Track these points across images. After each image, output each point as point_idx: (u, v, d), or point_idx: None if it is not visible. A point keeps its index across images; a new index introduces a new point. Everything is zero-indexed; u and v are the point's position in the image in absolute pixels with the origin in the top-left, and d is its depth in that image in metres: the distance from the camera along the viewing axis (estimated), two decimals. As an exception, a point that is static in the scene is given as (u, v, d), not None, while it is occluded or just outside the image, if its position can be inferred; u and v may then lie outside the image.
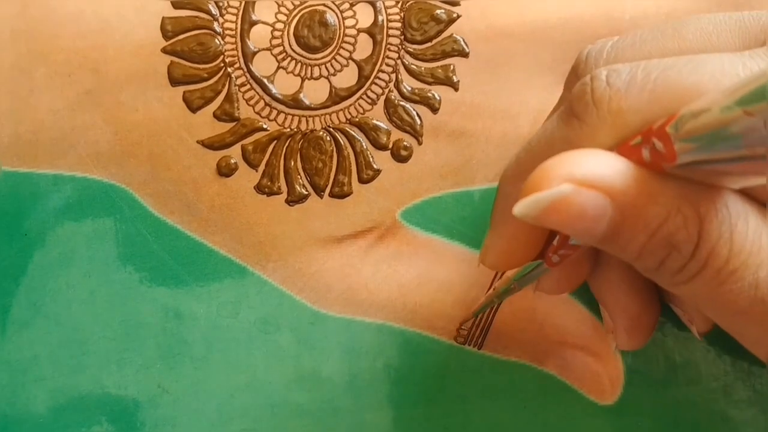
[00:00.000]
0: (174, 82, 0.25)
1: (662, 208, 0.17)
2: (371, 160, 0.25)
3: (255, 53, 0.25)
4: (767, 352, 0.19)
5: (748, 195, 0.17)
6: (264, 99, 0.25)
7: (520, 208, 0.17)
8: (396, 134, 0.25)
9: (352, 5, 0.25)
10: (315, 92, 0.25)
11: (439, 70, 0.25)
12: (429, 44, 0.25)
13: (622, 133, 0.17)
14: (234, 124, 0.25)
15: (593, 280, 0.23)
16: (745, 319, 0.18)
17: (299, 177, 0.25)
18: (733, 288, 0.17)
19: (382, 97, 0.25)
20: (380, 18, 0.25)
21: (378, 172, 0.25)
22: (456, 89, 0.25)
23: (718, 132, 0.15)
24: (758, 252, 0.17)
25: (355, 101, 0.25)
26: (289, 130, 0.25)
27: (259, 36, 0.25)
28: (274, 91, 0.25)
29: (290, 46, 0.25)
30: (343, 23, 0.25)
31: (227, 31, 0.25)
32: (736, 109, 0.14)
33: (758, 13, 0.19)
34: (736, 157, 0.15)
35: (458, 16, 0.25)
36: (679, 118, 0.16)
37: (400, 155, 0.25)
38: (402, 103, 0.25)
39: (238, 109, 0.25)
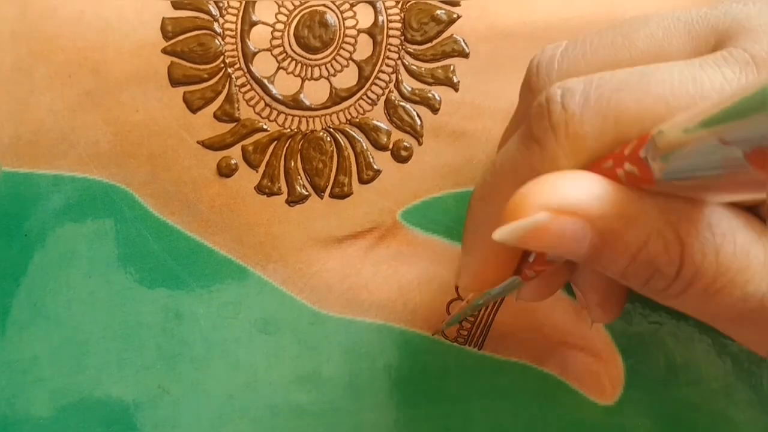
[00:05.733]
0: (174, 82, 0.25)
1: (641, 231, 0.17)
2: (371, 160, 0.25)
3: (255, 54, 0.25)
4: (766, 349, 0.19)
5: (737, 205, 0.17)
6: (264, 99, 0.25)
7: (499, 235, 0.17)
8: (396, 135, 0.25)
9: (352, 6, 0.25)
10: (315, 93, 0.25)
11: (440, 71, 0.25)
12: (429, 45, 0.25)
13: (582, 156, 0.17)
14: (234, 124, 0.25)
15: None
16: (737, 324, 0.18)
17: (299, 177, 0.25)
18: (720, 302, 0.17)
19: (383, 98, 0.25)
20: (380, 18, 0.25)
21: (378, 172, 0.25)
22: (456, 90, 0.25)
23: (690, 152, 0.15)
24: (746, 269, 0.17)
25: (356, 102, 0.25)
26: (289, 130, 0.25)
27: (259, 36, 0.25)
28: (274, 91, 0.25)
29: (290, 46, 0.25)
30: (343, 24, 0.25)
31: (227, 32, 0.25)
32: (701, 130, 0.14)
33: (707, 11, 0.19)
34: (713, 175, 0.15)
35: (458, 17, 0.25)
36: (650, 141, 0.16)
37: (401, 156, 0.25)
38: (402, 103, 0.25)
39: (239, 110, 0.25)
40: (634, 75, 0.17)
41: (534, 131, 0.18)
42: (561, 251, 0.17)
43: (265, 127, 0.25)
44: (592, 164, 0.17)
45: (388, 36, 0.25)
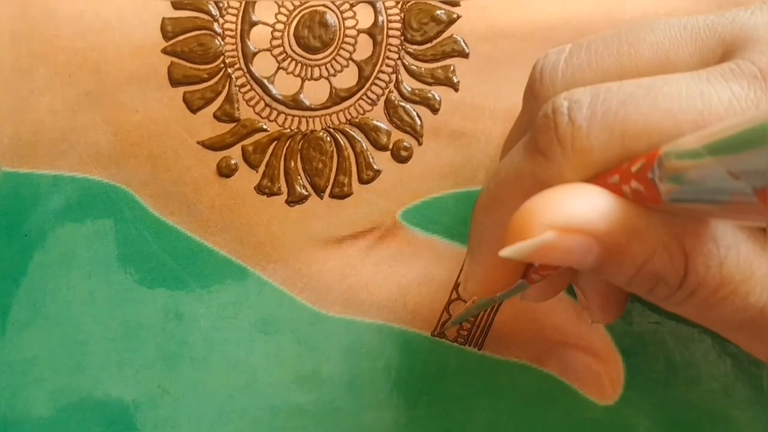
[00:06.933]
0: (174, 82, 0.25)
1: (647, 245, 0.17)
2: (371, 160, 0.25)
3: (255, 54, 0.25)
4: (766, 354, 0.19)
5: None
6: (264, 100, 0.25)
7: (506, 253, 0.17)
8: (396, 135, 0.25)
9: (352, 6, 0.25)
10: (315, 93, 0.25)
11: (439, 71, 0.25)
12: (429, 45, 0.25)
13: (588, 170, 0.17)
14: (234, 124, 0.25)
15: None
16: (737, 331, 0.19)
17: (299, 178, 0.25)
18: (722, 311, 0.17)
19: (383, 98, 0.25)
20: (380, 18, 0.25)
21: (378, 172, 0.25)
22: (456, 90, 0.25)
23: (698, 179, 0.15)
24: (749, 280, 0.17)
25: (356, 102, 0.25)
26: (289, 130, 0.25)
27: (259, 37, 0.25)
28: (274, 91, 0.25)
29: (290, 46, 0.25)
30: (343, 24, 0.25)
31: (227, 32, 0.25)
32: (708, 157, 0.14)
33: (714, 19, 0.19)
34: (720, 202, 0.15)
35: (458, 17, 0.25)
36: (658, 162, 0.16)
37: (401, 156, 0.25)
38: (402, 103, 0.25)
39: (239, 110, 0.25)
40: (641, 88, 0.17)
41: (539, 143, 0.18)
42: (568, 264, 0.17)
43: (265, 127, 0.25)
44: (598, 178, 0.17)
45: (388, 36, 0.25)
